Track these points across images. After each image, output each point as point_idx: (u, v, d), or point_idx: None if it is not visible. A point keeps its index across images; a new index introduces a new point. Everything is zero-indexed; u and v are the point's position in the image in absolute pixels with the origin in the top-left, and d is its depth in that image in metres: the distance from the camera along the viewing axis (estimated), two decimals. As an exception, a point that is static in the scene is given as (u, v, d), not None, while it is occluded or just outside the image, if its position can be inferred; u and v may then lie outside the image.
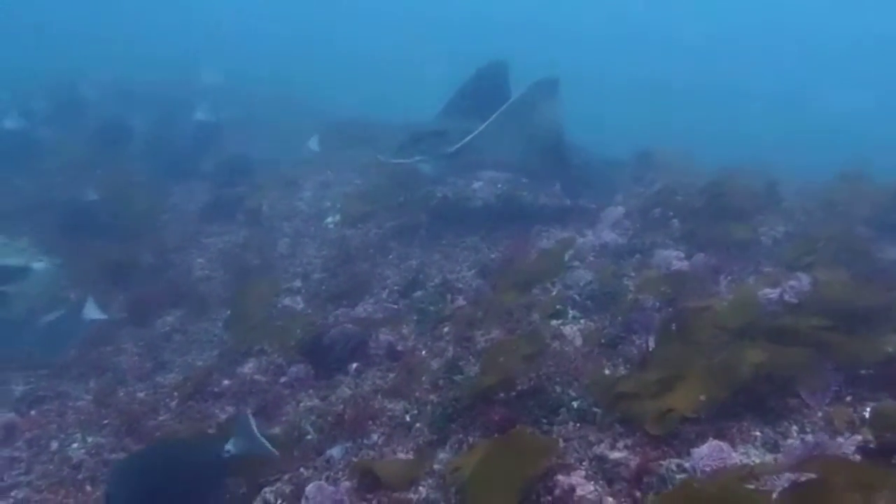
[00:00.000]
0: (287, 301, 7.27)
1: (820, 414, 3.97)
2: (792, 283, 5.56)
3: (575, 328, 5.50)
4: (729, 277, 5.91)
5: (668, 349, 4.34)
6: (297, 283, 7.62)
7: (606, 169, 8.48)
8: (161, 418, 5.65)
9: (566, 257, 6.47)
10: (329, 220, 9.32)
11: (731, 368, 3.92)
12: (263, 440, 4.19)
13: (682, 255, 6.40)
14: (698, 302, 4.94)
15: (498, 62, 8.45)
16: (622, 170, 9.21)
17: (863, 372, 4.26)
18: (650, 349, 4.47)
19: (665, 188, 8.01)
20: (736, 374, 3.90)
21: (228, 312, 6.94)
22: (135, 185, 10.39)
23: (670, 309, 5.34)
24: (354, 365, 5.75)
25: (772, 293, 5.40)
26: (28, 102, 14.72)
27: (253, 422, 4.22)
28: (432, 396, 4.86)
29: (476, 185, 10.10)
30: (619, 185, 8.79)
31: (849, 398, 4.06)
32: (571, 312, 5.78)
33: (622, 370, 4.80)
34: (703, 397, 3.83)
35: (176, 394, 5.88)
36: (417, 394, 4.96)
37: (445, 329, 5.89)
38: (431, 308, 6.32)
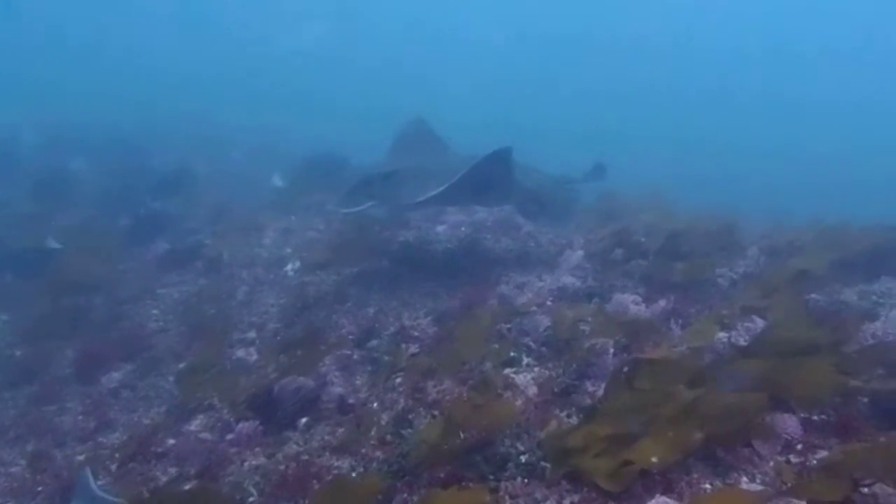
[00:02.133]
0: (241, 353, 7.07)
1: (771, 464, 3.87)
2: (747, 324, 5.52)
3: (528, 376, 5.37)
4: (681, 322, 5.82)
5: (617, 401, 4.22)
6: (252, 334, 7.43)
7: (560, 190, 8.41)
8: (100, 482, 5.38)
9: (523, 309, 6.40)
10: (289, 267, 9.17)
11: (682, 432, 3.80)
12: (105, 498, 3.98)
13: (640, 298, 6.32)
14: (650, 351, 4.84)
15: (417, 118, 9.25)
16: (578, 187, 9.06)
17: (815, 418, 4.19)
18: (599, 400, 4.35)
19: (626, 229, 7.98)
20: (688, 438, 3.78)
21: (180, 366, 6.74)
22: (93, 235, 10.16)
23: (624, 355, 5.26)
24: (304, 419, 5.56)
25: (725, 336, 5.35)
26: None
27: (92, 481, 4.01)
28: (379, 453, 4.69)
29: (440, 228, 10.05)
30: (575, 206, 8.73)
31: (800, 446, 3.97)
32: (526, 360, 5.65)
33: (574, 420, 4.67)
34: (654, 459, 3.70)
35: (117, 455, 5.63)
36: (364, 450, 4.78)
37: (398, 380, 5.73)
38: (386, 357, 6.16)
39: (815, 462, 3.78)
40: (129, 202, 12.02)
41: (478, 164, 6.50)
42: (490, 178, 6.77)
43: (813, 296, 6.15)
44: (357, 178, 7.38)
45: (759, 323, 5.46)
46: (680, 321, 5.86)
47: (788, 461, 3.89)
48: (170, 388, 6.78)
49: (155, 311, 8.52)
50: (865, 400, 4.28)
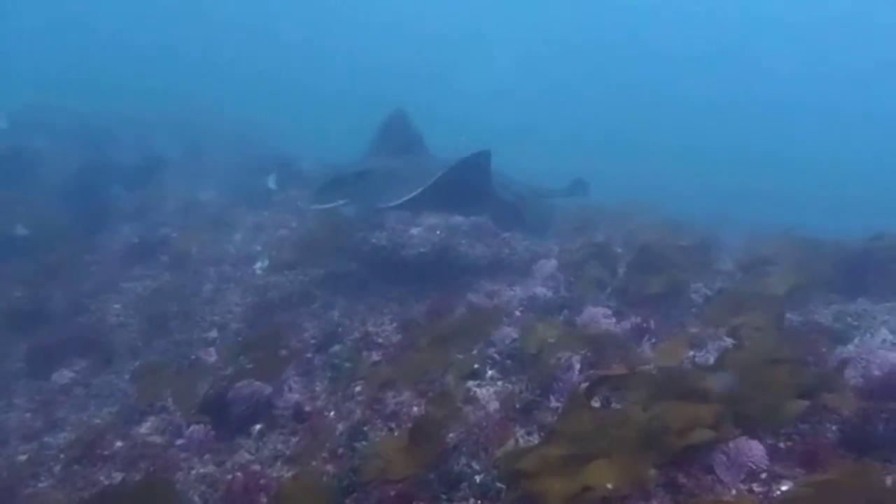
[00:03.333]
0: (201, 353, 6.84)
1: (734, 492, 3.73)
2: (718, 343, 5.39)
3: (491, 390, 5.21)
4: (653, 340, 5.67)
5: (575, 421, 4.05)
6: (213, 334, 7.21)
7: (540, 201, 8.27)
8: (41, 485, 5.16)
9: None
10: (258, 265, 8.96)
11: (639, 458, 3.65)
12: None
13: (611, 312, 6.17)
14: (608, 369, 4.69)
15: (399, 111, 9.07)
16: (557, 199, 8.93)
17: (781, 445, 4.06)
18: (558, 420, 4.18)
19: (601, 242, 7.85)
20: (645, 466, 3.64)
21: (136, 364, 6.50)
22: (59, 223, 9.87)
23: (591, 371, 5.10)
24: (258, 426, 5.36)
25: (696, 355, 5.21)
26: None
27: None
28: (330, 466, 4.50)
29: (414, 230, 9.86)
30: (553, 218, 8.60)
31: (764, 475, 3.83)
32: (490, 372, 5.48)
33: (535, 439, 4.51)
34: (609, 485, 3.54)
35: (62, 456, 5.39)
36: (315, 462, 4.59)
37: (358, 388, 5.55)
38: (347, 364, 5.97)
39: (778, 493, 3.64)
40: (93, 191, 11.69)
41: (454, 167, 6.34)
42: (466, 182, 6.64)
43: (788, 315, 6.03)
44: (330, 174, 7.16)
45: (730, 343, 5.33)
46: (652, 339, 5.71)
47: (751, 490, 3.75)
48: (125, 386, 6.55)
49: (116, 306, 8.26)
50: (834, 428, 4.17)
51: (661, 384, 4.31)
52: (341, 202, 6.96)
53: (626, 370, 4.67)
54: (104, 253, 9.78)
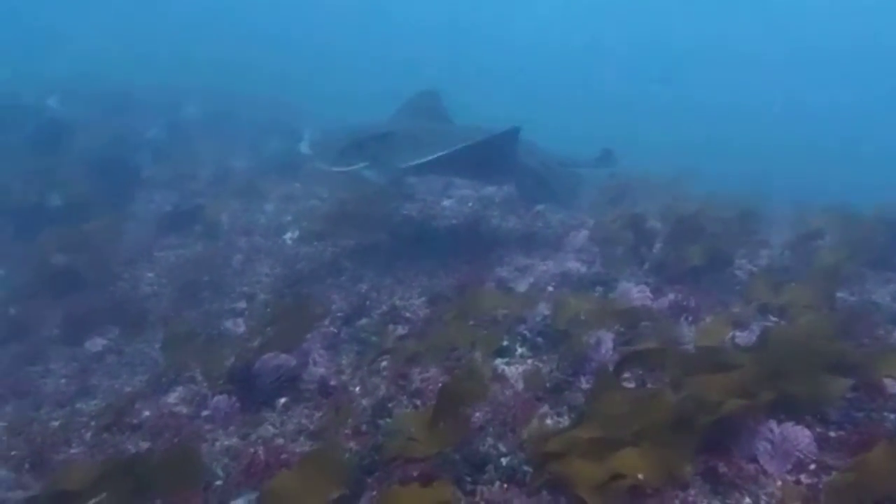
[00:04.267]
0: (229, 323, 6.82)
1: (779, 483, 3.52)
2: (764, 324, 5.14)
3: (520, 369, 5.05)
4: (690, 318, 5.43)
5: (605, 401, 3.86)
6: (242, 304, 7.17)
7: (566, 171, 7.98)
8: (72, 451, 5.16)
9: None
10: (288, 235, 8.89)
11: (669, 449, 3.44)
12: None
13: (647, 289, 5.93)
14: (645, 344, 4.46)
15: (431, 90, 8.96)
16: (587, 170, 8.63)
17: (832, 434, 3.82)
18: (586, 400, 3.99)
19: (638, 214, 7.55)
20: (675, 460, 3.43)
21: (166, 334, 6.49)
22: (91, 192, 9.92)
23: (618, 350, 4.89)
24: (283, 399, 5.28)
25: (738, 335, 4.96)
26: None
27: None
28: (353, 444, 4.39)
29: (446, 202, 9.71)
30: (581, 189, 8.33)
31: (813, 466, 3.61)
32: (519, 350, 5.32)
33: (566, 420, 4.35)
34: (640, 476, 3.36)
35: (93, 423, 5.40)
36: (338, 438, 4.49)
37: (384, 363, 5.44)
38: (373, 338, 5.86)
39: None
40: (122, 161, 11.74)
41: (483, 141, 6.20)
42: (494, 155, 6.47)
43: (841, 294, 5.72)
44: (351, 136, 6.95)
45: (776, 322, 5.08)
46: (690, 317, 5.47)
47: (798, 482, 3.53)
48: (156, 355, 6.54)
49: (150, 275, 8.29)
50: (893, 416, 3.92)
51: (694, 361, 4.08)
52: (361, 165, 6.73)
53: (656, 346, 4.45)
54: (139, 221, 9.82)
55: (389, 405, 4.81)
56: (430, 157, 6.23)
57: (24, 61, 19.37)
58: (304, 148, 10.31)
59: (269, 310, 6.86)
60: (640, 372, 4.47)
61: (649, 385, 4.32)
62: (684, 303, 5.69)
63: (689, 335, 5.19)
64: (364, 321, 6.25)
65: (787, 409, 3.86)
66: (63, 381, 6.22)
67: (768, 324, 5.19)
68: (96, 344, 6.79)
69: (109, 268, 8.32)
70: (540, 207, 9.74)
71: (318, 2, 47.48)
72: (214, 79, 19.45)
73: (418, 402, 4.83)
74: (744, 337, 5.00)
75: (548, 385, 4.75)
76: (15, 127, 12.66)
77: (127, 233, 9.43)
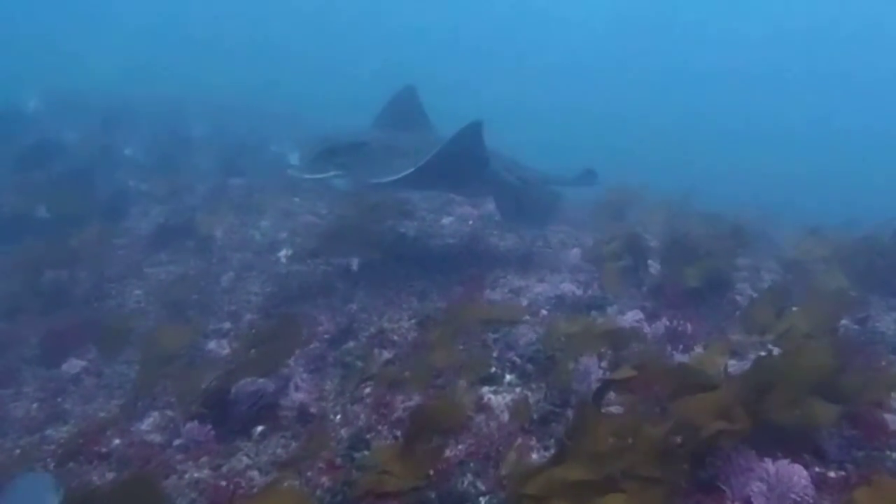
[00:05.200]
0: (213, 345, 6.61)
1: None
2: (760, 351, 4.86)
3: (507, 398, 4.79)
4: (681, 346, 5.15)
5: (586, 435, 3.58)
6: (227, 325, 6.95)
7: (544, 188, 7.73)
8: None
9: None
10: (282, 253, 8.69)
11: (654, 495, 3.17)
12: None
13: (641, 314, 5.67)
14: (619, 372, 4.18)
15: (409, 88, 8.60)
16: (567, 187, 8.36)
17: (832, 474, 3.55)
18: (567, 434, 3.72)
19: (636, 234, 7.30)
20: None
21: (145, 356, 6.26)
22: (80, 205, 9.78)
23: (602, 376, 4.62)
24: (260, 427, 5.05)
25: (734, 364, 4.68)
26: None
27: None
28: (325, 478, 4.15)
29: (445, 220, 9.50)
30: (557, 207, 8.08)
31: (807, 511, 3.34)
32: (508, 377, 5.07)
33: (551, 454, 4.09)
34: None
35: (60, 451, 5.18)
36: (310, 473, 4.25)
37: (367, 390, 5.20)
38: (358, 363, 5.62)
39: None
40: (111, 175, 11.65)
41: (449, 141, 5.94)
42: (463, 157, 6.20)
43: (844, 322, 5.44)
44: (324, 142, 6.72)
45: (775, 351, 4.80)
46: (681, 345, 5.20)
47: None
48: (135, 378, 6.32)
49: (138, 292, 8.09)
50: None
51: (676, 383, 3.80)
52: (333, 174, 6.51)
53: (633, 372, 4.16)
54: (132, 236, 9.65)
55: (368, 436, 4.57)
56: (400, 175, 6.00)
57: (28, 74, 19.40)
58: (294, 159, 10.15)
59: (253, 331, 6.64)
60: (625, 397, 4.21)
61: (633, 411, 4.04)
62: (679, 329, 5.42)
63: (683, 362, 4.92)
64: (351, 344, 6.02)
65: (775, 437, 3.58)
66: (35, 405, 6.00)
67: (763, 353, 4.92)
68: (74, 365, 6.57)
69: (98, 284, 8.13)
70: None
71: (325, 13, 47.68)
72: (213, 92, 19.42)
73: (399, 434, 4.59)
74: (738, 367, 4.73)
75: (535, 416, 4.50)
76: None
77: (119, 247, 9.27)
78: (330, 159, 6.50)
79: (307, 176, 6.61)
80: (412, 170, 5.92)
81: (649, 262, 6.90)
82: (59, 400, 6.09)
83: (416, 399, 4.85)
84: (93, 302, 7.86)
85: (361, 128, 8.10)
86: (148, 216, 10.30)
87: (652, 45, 45.62)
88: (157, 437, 5.22)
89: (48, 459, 5.12)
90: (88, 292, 8.03)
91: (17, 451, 5.27)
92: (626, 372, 3.82)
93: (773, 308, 5.35)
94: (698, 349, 5.05)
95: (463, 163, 6.33)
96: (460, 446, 4.30)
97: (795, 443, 3.59)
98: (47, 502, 3.58)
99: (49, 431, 5.60)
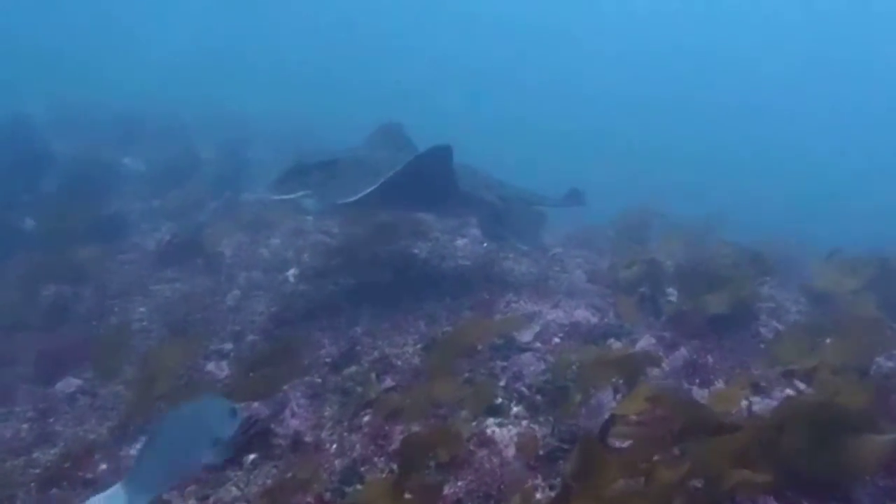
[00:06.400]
0: (211, 366, 6.38)
1: None
2: (787, 391, 4.53)
3: (513, 431, 4.49)
4: (699, 380, 4.82)
5: (591, 477, 3.27)
6: (229, 346, 6.72)
7: (527, 208, 7.46)
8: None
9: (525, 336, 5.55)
10: (290, 272, 8.47)
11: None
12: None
13: (659, 345, 5.35)
14: (624, 405, 3.86)
15: (393, 123, 8.64)
16: (553, 207, 8.07)
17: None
18: (571, 475, 3.41)
19: (655, 260, 6.99)
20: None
21: (139, 377, 6.04)
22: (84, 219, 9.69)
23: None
24: (252, 456, 4.79)
25: (757, 402, 4.35)
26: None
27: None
28: (312, 515, 3.88)
29: (459, 241, 9.25)
30: (541, 228, 7.81)
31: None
32: (514, 409, 4.77)
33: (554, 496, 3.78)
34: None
35: (45, 476, 4.95)
36: (292, 509, 3.97)
37: (366, 418, 4.92)
38: (359, 389, 5.35)
39: None
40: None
41: (410, 161, 5.70)
42: (428, 179, 5.98)
43: (878, 360, 5.09)
44: (292, 162, 6.49)
45: (805, 390, 4.46)
46: (699, 378, 4.87)
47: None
48: (128, 398, 6.10)
49: (142, 309, 7.90)
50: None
51: (693, 421, 3.47)
52: (301, 194, 6.23)
53: (645, 404, 3.83)
54: (140, 251, 9.51)
55: (362, 469, 4.30)
56: (361, 193, 5.74)
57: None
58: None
59: (253, 353, 6.41)
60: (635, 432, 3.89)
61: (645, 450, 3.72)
62: (699, 360, 5.09)
63: (700, 398, 4.60)
64: (353, 369, 5.75)
65: (803, 486, 3.24)
66: (25, 426, 5.78)
67: (789, 390, 4.59)
68: (69, 384, 6.37)
69: (100, 300, 7.97)
70: (558, 250, 9.28)
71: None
72: (226, 107, 19.53)
73: (395, 467, 4.31)
74: (763, 405, 4.40)
75: (541, 452, 4.20)
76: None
77: (125, 263, 9.13)
78: (298, 179, 6.24)
79: (275, 197, 6.36)
80: (373, 188, 5.68)
81: (668, 289, 6.58)
82: (51, 420, 5.86)
83: (415, 429, 4.56)
84: (94, 319, 7.68)
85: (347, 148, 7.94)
86: (157, 232, 10.16)
87: (667, 72, 45.39)
88: (145, 463, 4.97)
89: (31, 484, 4.91)
90: (90, 309, 7.86)
91: (1, 474, 5.05)
92: (636, 404, 3.51)
93: (799, 341, 5.01)
94: (719, 383, 4.72)
95: (430, 183, 6.12)
96: (460, 483, 4.02)
97: (825, 492, 3.25)
98: (222, 428, 3.41)
99: (37, 454, 5.37)
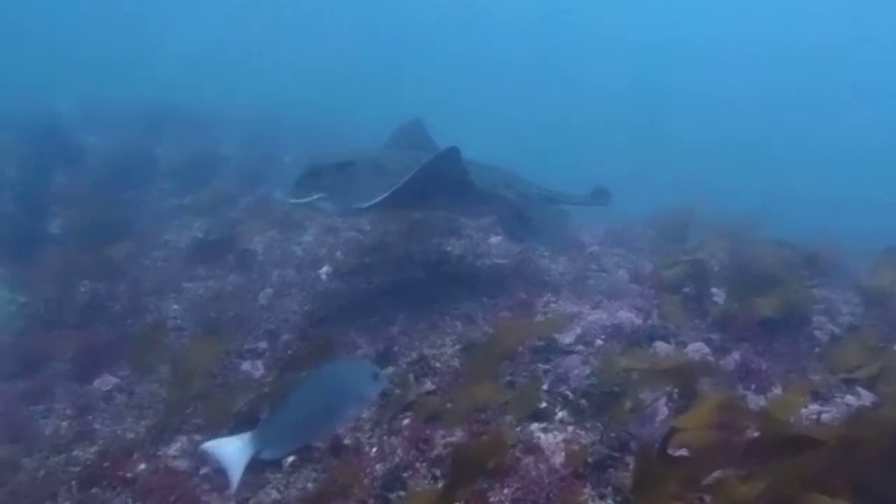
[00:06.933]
0: (247, 365, 6.32)
1: None
2: (848, 398, 4.33)
3: (559, 437, 4.35)
4: (754, 386, 4.63)
5: (654, 492, 3.12)
6: (263, 345, 6.65)
7: (549, 206, 7.30)
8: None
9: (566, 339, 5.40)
10: (323, 270, 8.37)
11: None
12: None
13: (707, 348, 5.17)
14: (686, 418, 3.69)
15: (416, 120, 8.54)
16: (578, 206, 7.90)
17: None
18: (631, 489, 3.27)
19: (701, 260, 6.78)
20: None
21: (175, 376, 5.99)
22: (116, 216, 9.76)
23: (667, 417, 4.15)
24: (290, 458, 4.71)
25: (814, 412, 4.16)
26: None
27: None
28: (355, 523, 3.78)
29: (493, 239, 9.09)
30: (564, 227, 7.65)
31: None
32: (559, 414, 4.62)
33: (609, 505, 3.65)
34: None
35: (85, 474, 4.92)
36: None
37: (406, 421, 4.81)
38: (397, 391, 5.24)
39: None
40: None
41: (422, 167, 5.61)
42: (441, 182, 5.92)
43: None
44: (308, 164, 6.35)
45: (868, 397, 4.26)
46: (754, 385, 4.68)
47: None
48: (165, 397, 6.06)
49: (175, 307, 7.88)
50: None
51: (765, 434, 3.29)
52: (317, 196, 6.08)
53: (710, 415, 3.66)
54: (172, 248, 9.50)
55: (405, 475, 4.19)
56: (377, 199, 5.66)
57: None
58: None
59: (289, 352, 6.34)
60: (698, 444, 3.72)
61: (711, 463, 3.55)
62: (752, 365, 4.91)
63: (758, 404, 4.43)
64: (390, 370, 5.64)
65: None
66: (64, 423, 5.77)
67: (851, 397, 4.39)
68: (107, 382, 6.35)
69: (135, 297, 7.96)
70: (594, 248, 9.10)
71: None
72: (255, 103, 19.61)
73: (438, 473, 4.20)
74: (824, 413, 4.21)
75: (589, 460, 4.05)
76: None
77: (158, 260, 9.12)
78: (314, 182, 6.10)
79: (292, 201, 6.23)
80: (386, 195, 5.60)
81: (714, 290, 6.38)
82: (90, 418, 5.85)
83: (457, 435, 4.44)
84: (129, 316, 7.67)
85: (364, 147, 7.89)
86: (188, 229, 10.14)
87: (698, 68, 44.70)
88: (183, 464, 4.93)
89: (72, 482, 4.88)
90: (125, 306, 7.85)
91: (42, 472, 5.02)
92: (701, 416, 3.35)
93: (860, 344, 4.80)
94: (776, 389, 4.53)
95: (443, 185, 6.08)
96: (506, 490, 3.90)
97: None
98: (363, 389, 3.39)
99: (77, 452, 5.34)
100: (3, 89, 17.87)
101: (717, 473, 3.01)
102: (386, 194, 5.64)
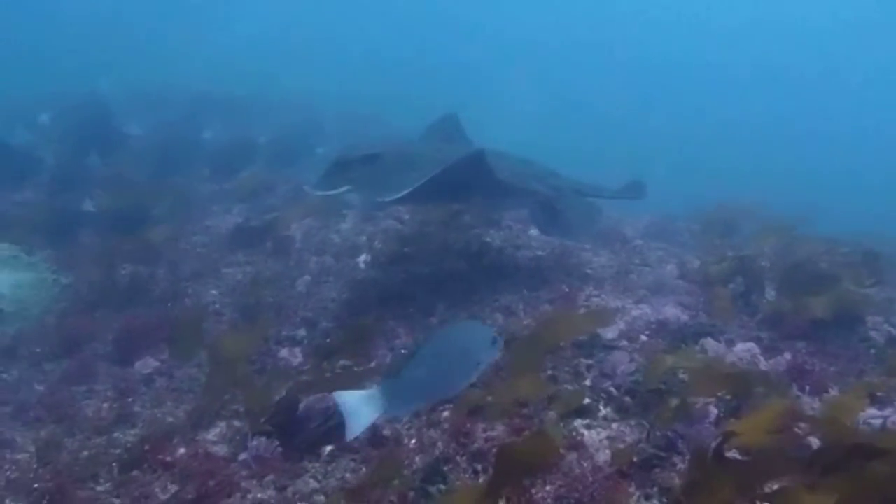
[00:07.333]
0: (285, 352, 6.31)
1: None
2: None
3: (603, 435, 4.25)
4: (808, 388, 4.47)
5: (708, 497, 3.00)
6: (302, 332, 6.64)
7: (581, 199, 7.19)
8: (98, 489, 4.72)
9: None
10: (361, 258, 8.35)
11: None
12: None
13: (756, 347, 5.00)
14: (743, 422, 3.55)
15: (450, 115, 8.63)
16: (611, 200, 7.90)
17: None
18: (683, 491, 3.15)
19: (749, 256, 6.59)
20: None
21: (214, 361, 6.00)
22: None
23: (733, 420, 4.01)
24: (329, 448, 4.68)
25: (873, 416, 4.00)
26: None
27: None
28: (395, 515, 3.72)
29: (533, 231, 8.96)
30: (596, 221, 7.53)
31: None
32: (603, 411, 4.52)
33: (655, 506, 3.54)
34: None
35: (126, 457, 4.95)
36: (378, 507, 3.83)
37: (445, 413, 4.75)
38: (437, 382, 5.17)
39: None
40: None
41: (447, 168, 5.61)
42: (467, 181, 6.01)
43: None
44: (337, 156, 6.38)
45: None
46: (808, 386, 4.52)
47: None
48: (204, 382, 6.08)
49: (214, 292, 7.92)
50: None
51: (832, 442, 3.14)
52: (344, 189, 6.11)
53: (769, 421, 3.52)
54: (212, 234, 9.56)
55: (445, 468, 4.12)
56: (402, 193, 5.66)
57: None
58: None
59: (328, 341, 6.31)
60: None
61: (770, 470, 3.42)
62: (806, 366, 4.74)
63: (811, 407, 4.28)
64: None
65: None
66: (105, 405, 5.83)
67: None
68: (147, 365, 6.41)
69: (175, 282, 8.02)
70: (638, 242, 8.94)
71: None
72: (297, 90, 19.69)
73: (479, 467, 4.13)
74: (884, 417, 4.04)
75: (635, 459, 3.94)
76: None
77: (198, 245, 9.19)
78: (341, 174, 6.10)
79: (319, 192, 6.25)
80: (409, 190, 5.59)
81: (763, 287, 6.20)
82: (130, 401, 5.90)
83: (498, 429, 4.36)
84: (169, 300, 7.73)
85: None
86: (228, 214, 10.20)
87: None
88: (222, 450, 4.93)
89: (113, 464, 4.91)
90: (165, 290, 7.92)
91: (85, 452, 5.07)
92: (763, 421, 3.22)
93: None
94: (832, 391, 4.37)
95: (469, 184, 6.15)
96: (548, 487, 3.81)
97: None
98: (484, 354, 3.42)
99: (117, 434, 5.40)
100: (61, 73, 18.21)
101: (776, 481, 2.88)
102: (407, 190, 5.66)
